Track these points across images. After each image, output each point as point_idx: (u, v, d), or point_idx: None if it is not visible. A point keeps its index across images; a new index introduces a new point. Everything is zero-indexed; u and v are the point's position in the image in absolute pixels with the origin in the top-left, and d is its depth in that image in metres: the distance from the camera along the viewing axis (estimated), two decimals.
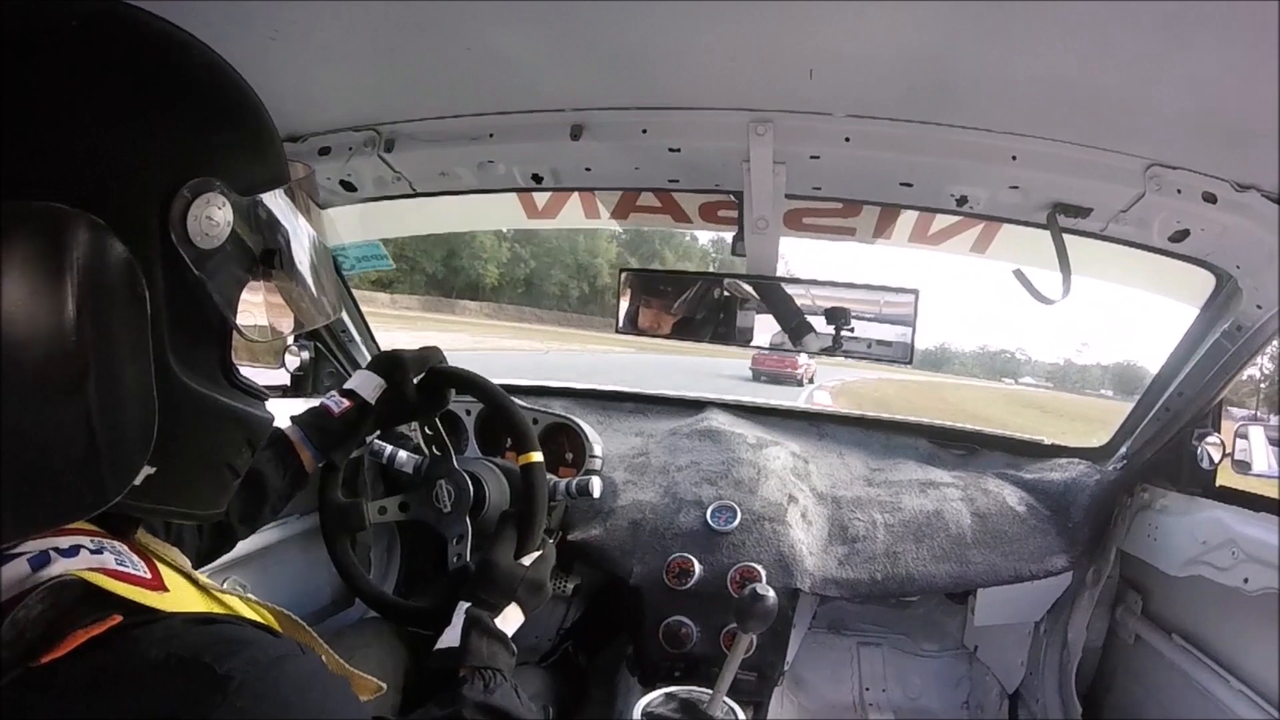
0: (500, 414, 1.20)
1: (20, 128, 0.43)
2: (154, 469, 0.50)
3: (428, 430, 1.35)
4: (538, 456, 1.16)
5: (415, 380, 1.13)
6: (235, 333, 0.54)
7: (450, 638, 0.94)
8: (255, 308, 0.58)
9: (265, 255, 0.55)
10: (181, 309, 0.49)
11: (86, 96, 0.46)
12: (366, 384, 1.10)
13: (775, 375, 19.64)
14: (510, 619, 0.98)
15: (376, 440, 1.44)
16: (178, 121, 0.49)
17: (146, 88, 0.48)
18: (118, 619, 0.44)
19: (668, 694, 1.07)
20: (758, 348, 1.31)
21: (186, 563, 0.57)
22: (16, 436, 0.41)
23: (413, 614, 1.25)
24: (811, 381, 21.45)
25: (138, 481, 0.49)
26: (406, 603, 1.28)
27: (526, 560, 1.04)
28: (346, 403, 1.08)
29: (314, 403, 1.11)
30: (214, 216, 0.49)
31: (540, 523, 1.11)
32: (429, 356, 1.16)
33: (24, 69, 0.44)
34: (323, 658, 0.53)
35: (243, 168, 0.53)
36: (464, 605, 0.97)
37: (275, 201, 0.56)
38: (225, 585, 0.57)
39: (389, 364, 1.13)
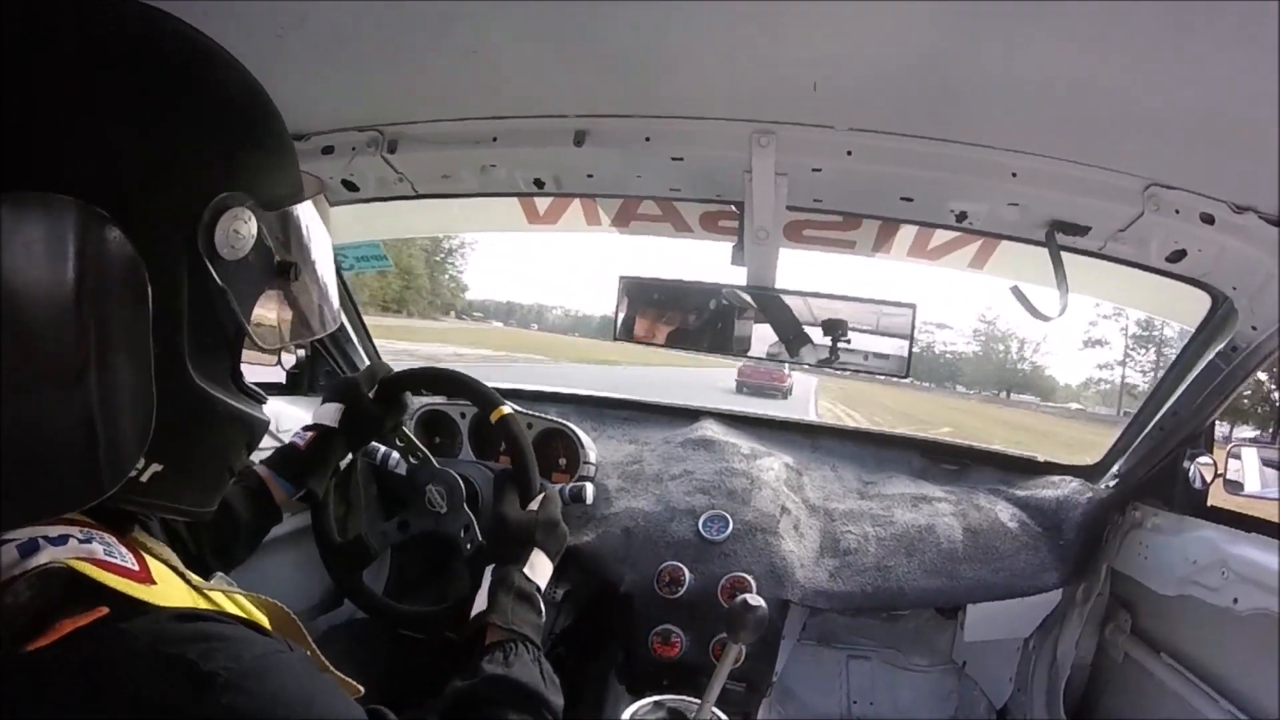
0: (455, 386, 1.24)
1: (57, 132, 0.44)
2: (161, 466, 0.51)
3: (399, 441, 1.35)
4: (508, 409, 1.18)
5: (370, 394, 1.17)
6: (248, 338, 0.55)
7: (483, 603, 0.92)
8: (267, 315, 0.60)
9: (283, 267, 0.56)
10: (201, 315, 0.51)
11: (125, 106, 0.47)
12: (326, 413, 1.14)
13: (759, 388, 19.80)
14: (539, 567, 0.97)
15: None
16: (212, 137, 0.51)
17: (184, 102, 0.50)
18: (104, 611, 0.44)
19: (656, 702, 1.06)
20: (754, 358, 1.31)
21: (176, 559, 0.57)
22: (15, 426, 0.41)
23: (425, 619, 1.24)
24: (791, 393, 21.57)
25: (145, 479, 0.50)
26: (425, 610, 1.25)
27: (533, 505, 1.05)
28: (310, 434, 1.11)
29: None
30: (240, 230, 0.51)
31: (533, 466, 1.12)
32: (377, 369, 1.21)
33: (64, 74, 0.45)
34: (306, 654, 0.53)
35: (268, 182, 0.55)
36: (489, 569, 0.96)
37: (295, 214, 0.57)
38: (212, 581, 0.57)
39: (341, 387, 1.18)
